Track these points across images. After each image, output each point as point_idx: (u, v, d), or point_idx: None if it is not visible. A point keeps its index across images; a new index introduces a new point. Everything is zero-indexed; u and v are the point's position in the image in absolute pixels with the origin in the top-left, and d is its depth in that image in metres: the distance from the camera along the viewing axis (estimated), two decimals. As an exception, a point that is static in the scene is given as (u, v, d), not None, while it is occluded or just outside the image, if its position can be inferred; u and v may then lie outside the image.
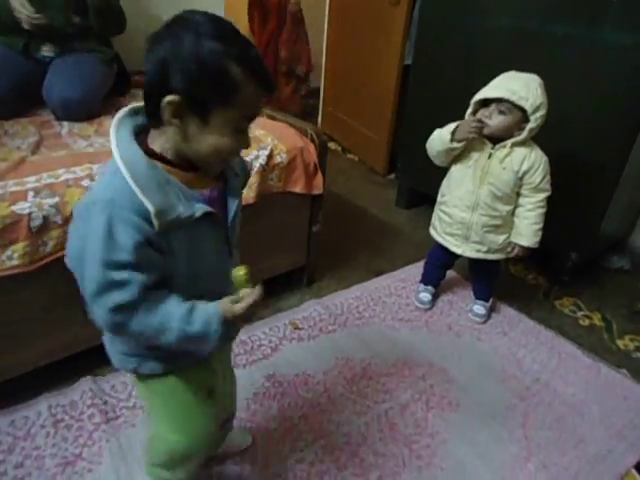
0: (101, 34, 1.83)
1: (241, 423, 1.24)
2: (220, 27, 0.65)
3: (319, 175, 1.60)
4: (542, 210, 1.47)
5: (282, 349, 1.51)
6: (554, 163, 1.53)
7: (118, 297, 0.65)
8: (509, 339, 1.65)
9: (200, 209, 0.69)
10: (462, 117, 1.55)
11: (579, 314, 1.82)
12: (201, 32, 0.63)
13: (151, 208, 0.63)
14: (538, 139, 1.46)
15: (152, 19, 2.29)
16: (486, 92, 1.40)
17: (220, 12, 2.53)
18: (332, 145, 3.22)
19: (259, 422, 1.26)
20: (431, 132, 1.55)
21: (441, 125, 1.52)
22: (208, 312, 0.69)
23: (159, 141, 0.69)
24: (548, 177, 1.45)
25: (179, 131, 0.66)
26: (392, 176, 2.77)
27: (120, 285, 0.64)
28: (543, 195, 1.46)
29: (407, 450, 1.23)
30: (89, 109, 1.68)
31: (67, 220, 1.11)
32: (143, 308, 0.66)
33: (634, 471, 1.22)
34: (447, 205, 1.57)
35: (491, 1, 1.85)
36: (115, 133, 0.67)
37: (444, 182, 1.60)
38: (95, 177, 1.19)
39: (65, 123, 1.62)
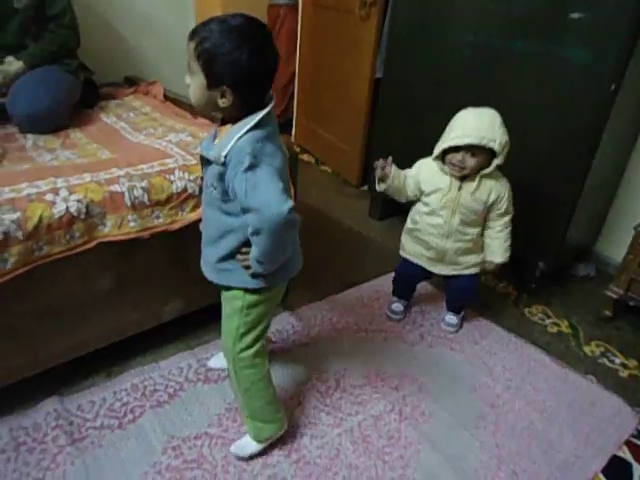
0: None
1: (209, 440, 1.22)
2: None
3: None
4: (509, 229, 1.60)
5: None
6: (520, 176, 1.57)
7: None
8: (480, 348, 1.67)
9: None
10: (429, 128, 1.59)
11: (547, 321, 1.86)
12: None
13: None
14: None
15: (115, 34, 2.27)
16: (455, 140, 1.43)
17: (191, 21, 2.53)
18: (306, 157, 3.23)
19: (231, 437, 1.25)
20: (401, 144, 1.58)
21: (410, 136, 1.54)
22: None
23: None
24: (511, 200, 1.56)
25: None
26: (365, 187, 2.80)
27: None
28: (509, 217, 1.58)
29: (380, 462, 1.23)
30: (56, 121, 1.65)
31: (29, 236, 1.08)
32: None
33: (601, 475, 1.25)
34: (422, 233, 1.61)
35: (454, 18, 1.89)
36: None
37: (413, 210, 1.64)
38: (59, 191, 1.16)
39: (30, 135, 1.58)
